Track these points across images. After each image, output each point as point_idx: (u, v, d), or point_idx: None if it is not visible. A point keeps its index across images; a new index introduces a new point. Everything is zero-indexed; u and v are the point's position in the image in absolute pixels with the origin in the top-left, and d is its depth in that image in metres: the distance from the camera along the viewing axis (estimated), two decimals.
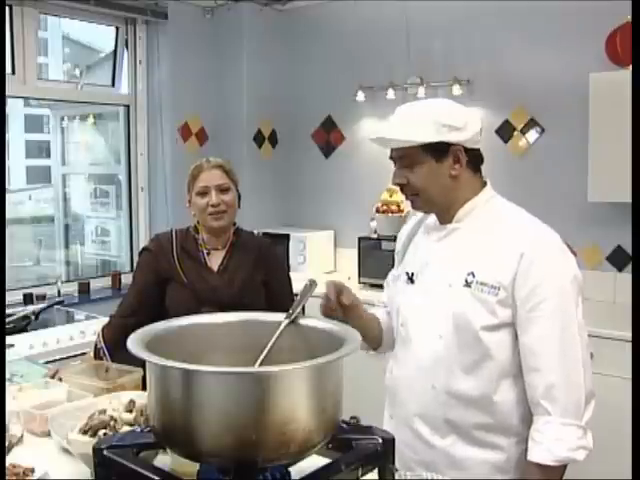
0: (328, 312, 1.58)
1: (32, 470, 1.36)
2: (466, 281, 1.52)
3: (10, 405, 1.61)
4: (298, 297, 1.42)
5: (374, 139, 1.58)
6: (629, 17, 2.77)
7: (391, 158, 1.60)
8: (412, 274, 1.65)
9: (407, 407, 1.61)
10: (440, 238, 1.61)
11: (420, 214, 1.75)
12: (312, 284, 1.47)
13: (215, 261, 2.18)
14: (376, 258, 3.79)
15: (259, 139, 4.47)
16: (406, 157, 1.53)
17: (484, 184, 1.61)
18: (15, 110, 4.88)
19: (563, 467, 1.47)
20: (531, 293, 1.47)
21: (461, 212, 1.58)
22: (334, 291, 1.59)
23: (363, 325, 1.63)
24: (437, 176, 1.53)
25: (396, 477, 1.25)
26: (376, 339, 1.76)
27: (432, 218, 1.66)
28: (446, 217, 1.60)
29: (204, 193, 2.11)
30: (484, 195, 1.59)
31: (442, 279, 1.56)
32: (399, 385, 1.64)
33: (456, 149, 1.52)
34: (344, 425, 1.20)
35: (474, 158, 1.57)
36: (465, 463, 1.55)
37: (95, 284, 4.03)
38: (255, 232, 2.41)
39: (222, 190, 2.12)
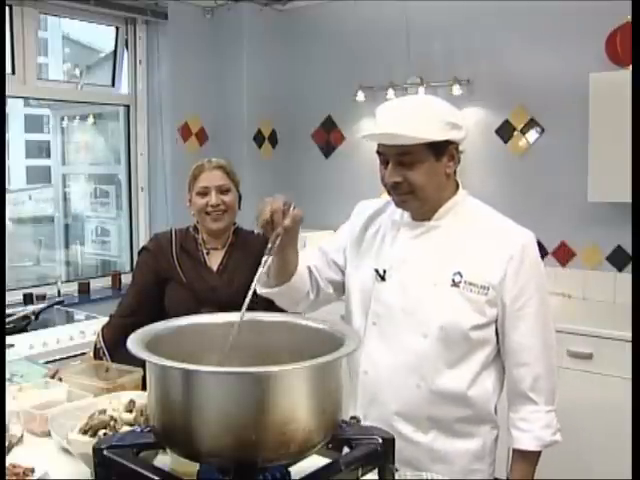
0: (267, 227, 1.42)
1: (32, 470, 1.36)
2: (453, 281, 1.53)
3: (10, 405, 1.61)
4: (275, 230, 1.40)
5: (377, 135, 1.51)
6: (629, 17, 2.77)
7: (379, 153, 1.55)
8: (384, 271, 1.60)
9: (387, 406, 1.59)
10: (417, 235, 1.59)
11: (371, 206, 1.75)
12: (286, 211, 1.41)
13: (215, 261, 2.18)
14: None
15: (259, 139, 4.47)
16: (407, 154, 1.49)
17: (457, 184, 1.63)
18: (15, 110, 4.87)
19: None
20: (520, 293, 1.53)
21: (442, 210, 1.58)
22: (282, 206, 1.42)
23: (289, 258, 1.57)
24: (435, 174, 1.52)
25: (396, 477, 1.25)
26: (284, 278, 1.61)
27: (398, 213, 1.64)
28: (425, 214, 1.59)
29: (204, 193, 2.11)
30: (460, 194, 1.61)
31: (425, 277, 1.55)
32: (378, 385, 1.61)
33: (453, 147, 1.53)
34: (344, 425, 1.20)
35: (460, 157, 1.58)
36: (447, 455, 1.58)
37: (95, 284, 4.03)
38: (255, 232, 2.41)
39: (222, 191, 2.12)
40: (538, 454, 1.57)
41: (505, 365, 1.60)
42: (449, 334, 1.52)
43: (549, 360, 1.57)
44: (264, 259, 1.35)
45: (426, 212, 1.58)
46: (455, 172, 1.60)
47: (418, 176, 1.50)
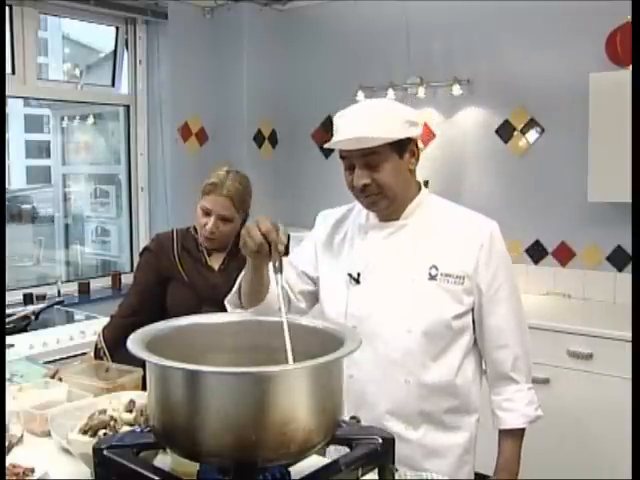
0: (262, 249, 1.37)
1: (32, 470, 1.36)
2: (430, 274, 1.57)
3: (10, 405, 1.61)
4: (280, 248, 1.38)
5: (343, 141, 1.51)
6: (629, 17, 2.78)
7: (343, 158, 1.56)
8: (358, 274, 1.61)
9: (377, 407, 1.60)
10: (387, 235, 1.62)
11: (333, 214, 1.76)
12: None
13: (216, 260, 2.19)
14: None
15: (259, 139, 4.47)
16: (372, 155, 1.51)
17: (419, 183, 1.67)
18: (15, 110, 4.88)
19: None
20: (493, 278, 1.59)
21: (408, 209, 1.62)
22: (274, 232, 1.36)
23: (265, 279, 1.54)
24: (400, 172, 1.56)
25: (396, 477, 1.25)
26: (259, 298, 1.57)
27: (363, 217, 1.67)
28: (392, 214, 1.62)
29: (206, 213, 2.10)
30: (423, 193, 1.65)
31: (402, 275, 1.58)
32: (365, 386, 1.60)
33: (413, 144, 1.57)
34: (344, 425, 1.21)
35: (419, 153, 1.61)
36: (439, 450, 1.61)
37: (95, 284, 4.03)
38: None
39: (224, 219, 2.11)
40: (523, 431, 1.63)
41: (484, 350, 1.64)
42: (433, 326, 1.55)
43: (525, 340, 1.64)
44: (277, 278, 1.33)
45: (393, 212, 1.62)
46: (414, 172, 1.63)
47: (385, 175, 1.54)
